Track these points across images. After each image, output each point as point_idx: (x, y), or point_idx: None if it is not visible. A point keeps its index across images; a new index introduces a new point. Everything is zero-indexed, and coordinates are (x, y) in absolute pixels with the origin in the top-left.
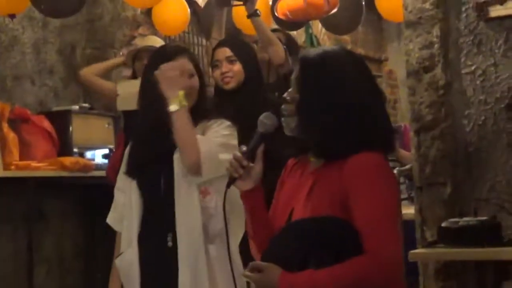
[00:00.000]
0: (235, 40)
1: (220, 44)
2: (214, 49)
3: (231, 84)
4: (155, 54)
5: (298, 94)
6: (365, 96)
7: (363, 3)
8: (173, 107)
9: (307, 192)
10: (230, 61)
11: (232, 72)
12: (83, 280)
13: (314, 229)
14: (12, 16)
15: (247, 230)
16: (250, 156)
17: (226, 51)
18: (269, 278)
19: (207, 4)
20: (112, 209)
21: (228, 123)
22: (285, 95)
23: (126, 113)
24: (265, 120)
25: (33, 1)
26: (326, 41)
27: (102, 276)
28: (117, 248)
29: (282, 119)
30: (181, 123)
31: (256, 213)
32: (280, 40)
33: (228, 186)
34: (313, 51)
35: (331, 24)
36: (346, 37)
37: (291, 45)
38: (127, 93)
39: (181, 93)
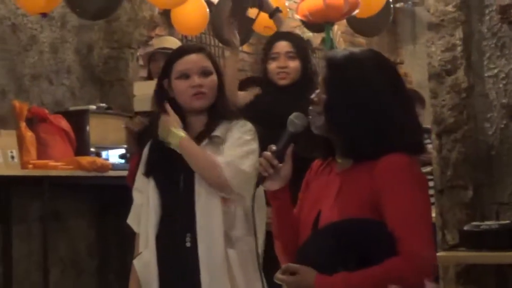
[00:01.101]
0: (295, 36)
1: (280, 37)
2: (272, 41)
3: (286, 81)
4: (172, 53)
5: (325, 95)
6: (393, 97)
7: (391, 5)
8: (174, 144)
9: (335, 193)
10: (289, 56)
11: (289, 68)
12: (97, 280)
13: (348, 231)
14: (44, 15)
15: (273, 230)
16: (280, 155)
17: (287, 46)
18: (304, 280)
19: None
20: (132, 210)
21: (249, 125)
22: (312, 96)
23: (142, 114)
24: (295, 119)
25: (69, 3)
26: (341, 43)
27: (116, 276)
28: (136, 249)
29: (310, 119)
30: (188, 153)
31: (283, 213)
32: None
33: (257, 185)
34: (340, 52)
35: (357, 26)
36: (361, 40)
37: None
38: (144, 94)
39: (172, 128)
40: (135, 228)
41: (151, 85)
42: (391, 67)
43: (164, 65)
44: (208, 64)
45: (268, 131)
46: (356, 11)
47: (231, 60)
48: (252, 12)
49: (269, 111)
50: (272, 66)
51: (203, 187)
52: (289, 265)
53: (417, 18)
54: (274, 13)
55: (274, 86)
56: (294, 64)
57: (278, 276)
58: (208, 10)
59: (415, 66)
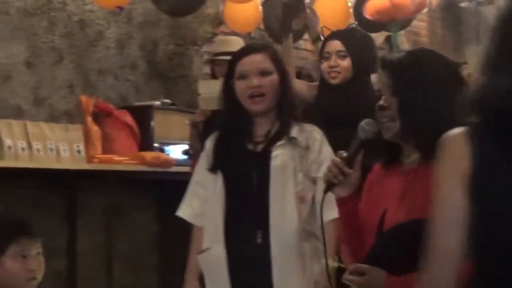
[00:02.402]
0: (348, 34)
1: (333, 36)
2: (325, 40)
3: (337, 80)
4: (234, 54)
5: (396, 99)
6: (457, 92)
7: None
8: None
9: (400, 193)
10: (340, 56)
11: (340, 67)
12: (159, 275)
13: (417, 231)
14: (120, 8)
15: (340, 235)
16: (350, 162)
17: (338, 45)
18: (374, 281)
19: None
20: (186, 202)
21: (320, 132)
22: (381, 102)
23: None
24: (366, 126)
25: (156, 1)
26: (404, 43)
27: (177, 271)
28: (194, 243)
29: (382, 125)
30: None
31: (351, 218)
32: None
33: (326, 191)
34: (396, 55)
35: None
36: (425, 40)
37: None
38: (209, 93)
39: None
40: (193, 220)
41: (216, 84)
42: (448, 62)
43: (228, 66)
44: (267, 64)
45: (325, 130)
46: (425, 10)
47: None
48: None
49: (324, 111)
50: (324, 65)
51: (279, 185)
52: (358, 266)
53: (482, 17)
54: (315, 40)
55: (327, 85)
56: (346, 63)
57: (347, 276)
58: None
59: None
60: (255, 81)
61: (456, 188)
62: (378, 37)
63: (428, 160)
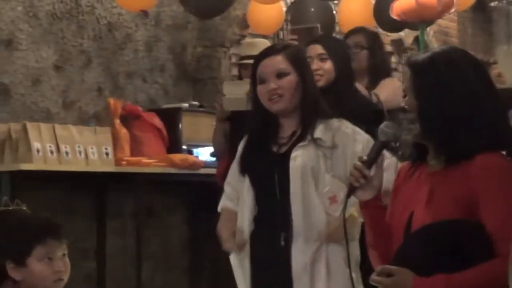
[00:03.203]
0: (328, 38)
1: (313, 40)
2: (306, 45)
3: (321, 83)
4: (255, 58)
5: (416, 101)
6: (483, 95)
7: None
8: None
9: (428, 195)
10: (321, 59)
11: (322, 70)
12: (189, 276)
13: (445, 232)
14: (144, 12)
15: (366, 239)
16: (371, 165)
17: (318, 49)
18: (401, 282)
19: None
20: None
21: (350, 125)
22: (403, 104)
23: (230, 116)
24: (386, 129)
25: (183, 2)
26: (434, 43)
27: (207, 273)
28: (223, 222)
29: (405, 126)
30: None
31: (376, 222)
32: (361, 45)
33: (348, 195)
34: (421, 55)
35: None
36: (455, 40)
37: (374, 45)
38: (234, 94)
39: None
40: (231, 206)
41: (240, 85)
42: (476, 63)
43: (251, 70)
44: (284, 65)
45: None
46: (452, 10)
47: None
48: None
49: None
50: None
51: (300, 186)
52: (385, 267)
53: None
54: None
55: None
56: (328, 66)
57: (374, 277)
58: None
59: (510, 66)
60: (272, 84)
61: None
62: (408, 38)
63: (453, 163)
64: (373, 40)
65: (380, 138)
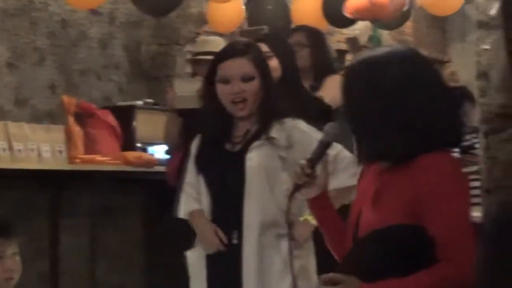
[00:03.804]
0: (272, 36)
1: (258, 40)
2: None
3: None
4: (217, 54)
5: (347, 107)
6: (422, 94)
7: None
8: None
9: (374, 194)
10: (267, 57)
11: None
12: (145, 275)
13: (389, 238)
14: (94, 11)
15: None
16: (314, 164)
17: (263, 47)
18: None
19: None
20: (183, 202)
21: (305, 124)
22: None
23: (183, 112)
24: (330, 129)
25: (135, 1)
26: (389, 41)
27: (164, 271)
28: (204, 223)
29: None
30: None
31: (326, 220)
32: (302, 43)
33: (292, 194)
34: (358, 58)
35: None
36: (409, 38)
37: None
38: (185, 91)
39: None
40: (198, 207)
41: (192, 83)
42: (422, 63)
43: (210, 65)
44: (249, 69)
45: None
46: (405, 9)
47: None
48: None
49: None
50: None
51: (255, 185)
52: (332, 275)
53: (467, 16)
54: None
55: None
56: (273, 64)
57: (321, 287)
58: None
59: (463, 64)
60: (236, 87)
61: None
62: (363, 36)
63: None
64: (315, 38)
65: (323, 138)
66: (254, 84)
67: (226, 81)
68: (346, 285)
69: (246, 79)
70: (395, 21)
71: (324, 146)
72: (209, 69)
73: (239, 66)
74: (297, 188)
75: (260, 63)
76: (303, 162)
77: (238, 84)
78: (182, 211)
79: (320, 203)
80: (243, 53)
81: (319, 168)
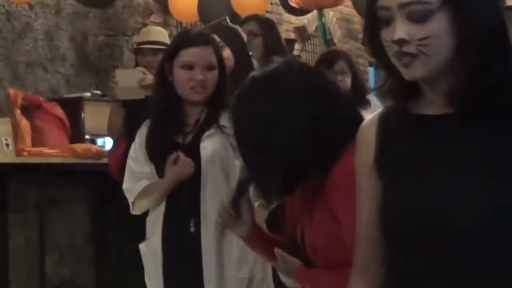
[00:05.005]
0: (221, 26)
1: (211, 31)
2: None
3: None
4: (180, 39)
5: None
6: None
7: None
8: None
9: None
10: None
11: None
12: (95, 267)
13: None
14: (30, 5)
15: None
16: (237, 204)
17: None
18: (289, 269)
19: None
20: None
21: None
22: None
23: (126, 103)
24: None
25: None
26: (337, 30)
27: (113, 263)
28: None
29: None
30: None
31: (263, 251)
32: (254, 32)
33: (221, 231)
34: (244, 84)
35: None
36: (358, 27)
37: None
38: (127, 82)
39: None
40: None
41: (132, 73)
42: (310, 76)
43: (169, 48)
44: (213, 59)
45: None
46: None
47: None
48: None
49: None
50: None
51: (210, 174)
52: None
53: None
54: None
55: None
56: (225, 54)
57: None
58: None
59: None
60: (200, 75)
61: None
62: (311, 25)
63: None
64: (266, 27)
65: (241, 176)
66: (215, 74)
67: (190, 67)
68: (288, 264)
69: (210, 68)
70: None
71: (243, 185)
72: (169, 52)
73: (206, 54)
74: (226, 227)
75: (220, 54)
76: (226, 205)
77: (203, 72)
78: (136, 191)
79: (251, 238)
80: (208, 42)
81: (243, 206)
